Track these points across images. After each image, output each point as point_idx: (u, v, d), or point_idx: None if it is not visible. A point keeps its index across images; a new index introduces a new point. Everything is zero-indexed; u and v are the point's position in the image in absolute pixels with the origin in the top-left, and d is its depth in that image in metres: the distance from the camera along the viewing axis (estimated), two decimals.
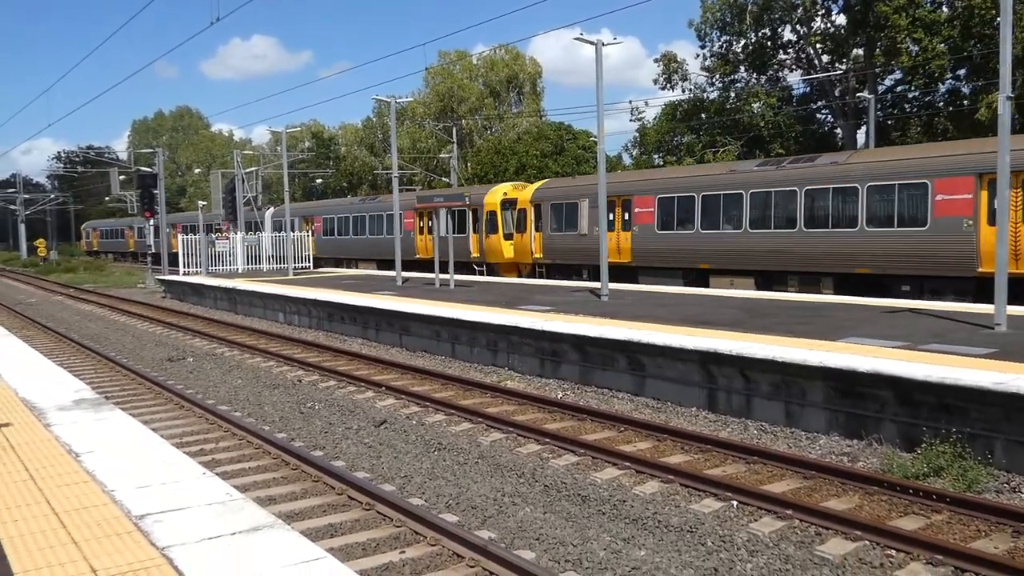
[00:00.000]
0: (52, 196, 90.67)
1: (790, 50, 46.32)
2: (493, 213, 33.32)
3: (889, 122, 42.96)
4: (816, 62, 44.82)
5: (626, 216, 27.20)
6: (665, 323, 15.04)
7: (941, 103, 41.74)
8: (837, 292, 21.38)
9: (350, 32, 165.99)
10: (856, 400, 10.42)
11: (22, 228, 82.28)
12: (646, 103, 70.93)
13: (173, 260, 42.71)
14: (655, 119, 53.81)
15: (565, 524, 7.96)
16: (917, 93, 41.42)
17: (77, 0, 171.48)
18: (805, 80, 45.69)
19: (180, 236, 42.06)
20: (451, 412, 12.55)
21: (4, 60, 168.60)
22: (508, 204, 32.92)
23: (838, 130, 45.64)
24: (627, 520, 8.03)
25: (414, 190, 50.90)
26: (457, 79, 68.78)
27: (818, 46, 44.33)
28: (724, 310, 17.22)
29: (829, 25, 43.91)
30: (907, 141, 39.78)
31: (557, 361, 15.05)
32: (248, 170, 46.88)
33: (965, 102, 39.04)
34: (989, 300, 14.01)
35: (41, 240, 73.10)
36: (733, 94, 46.85)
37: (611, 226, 26.55)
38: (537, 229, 30.94)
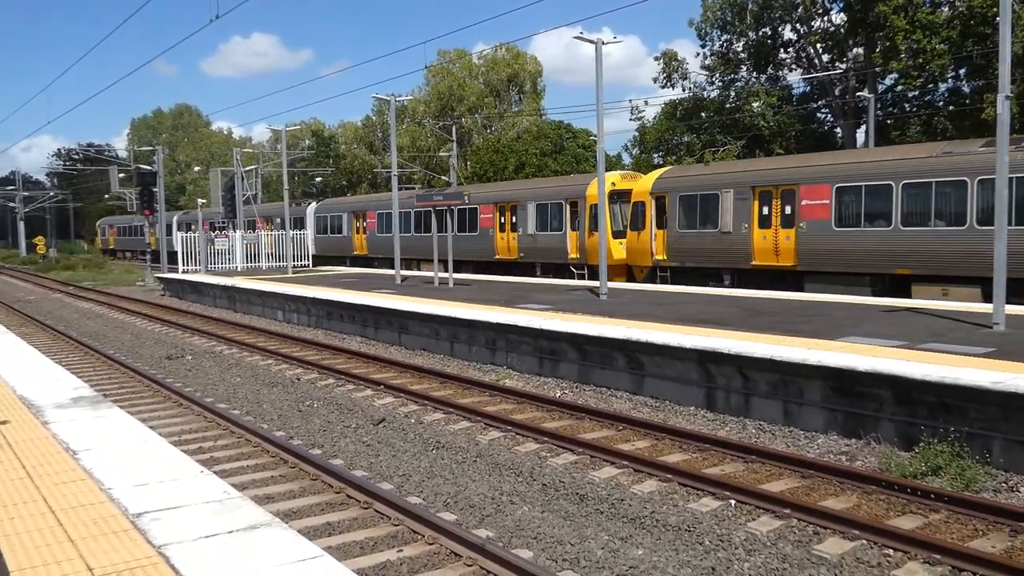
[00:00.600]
0: (51, 194, 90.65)
1: (790, 49, 46.32)
2: (596, 207, 27.60)
3: (889, 121, 42.95)
4: (816, 61, 44.81)
5: (787, 210, 22.77)
6: (664, 322, 15.04)
7: (941, 103, 41.73)
8: None
9: (350, 30, 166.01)
10: (854, 399, 10.41)
11: (21, 225, 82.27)
12: (646, 102, 70.90)
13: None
14: (655, 118, 53.80)
15: (563, 523, 7.96)
16: (917, 93, 41.40)
17: None
18: (805, 79, 45.68)
19: (207, 233, 42.04)
20: (449, 411, 12.55)
21: (4, 57, 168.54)
22: (617, 196, 28.35)
23: (838, 129, 45.64)
24: (625, 519, 8.03)
25: (413, 188, 50.77)
26: (457, 78, 68.72)
27: (818, 45, 44.32)
28: (723, 309, 17.22)
29: (829, 24, 43.92)
30: (906, 141, 39.74)
31: (556, 360, 15.05)
32: (248, 168, 46.83)
33: (967, 101, 39.03)
34: None
35: (40, 237, 73.05)
36: (733, 93, 46.82)
37: (764, 222, 23.02)
38: (659, 226, 26.09)
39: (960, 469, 8.72)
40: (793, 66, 46.87)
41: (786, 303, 18.23)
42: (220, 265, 38.70)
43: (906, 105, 43.07)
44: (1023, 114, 34.22)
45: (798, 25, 44.60)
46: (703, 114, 47.93)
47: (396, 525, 7.75)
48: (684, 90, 48.63)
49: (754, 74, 46.79)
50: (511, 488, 9.05)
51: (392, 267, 34.90)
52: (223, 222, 42.36)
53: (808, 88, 46.91)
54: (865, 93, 38.37)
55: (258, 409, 13.41)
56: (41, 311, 30.03)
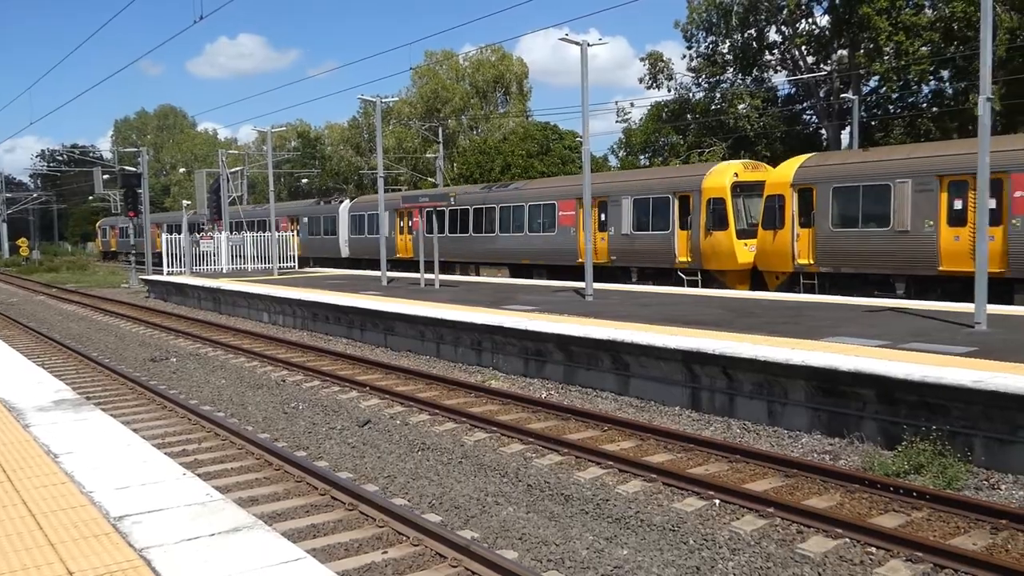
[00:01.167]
0: (35, 195, 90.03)
1: (775, 51, 46.55)
2: (719, 202, 24.35)
3: (873, 123, 43.23)
4: (801, 63, 45.05)
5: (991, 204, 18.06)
6: (649, 323, 15.07)
7: (924, 104, 42.04)
8: None
9: (337, 31, 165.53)
10: (838, 399, 10.47)
11: (4, 227, 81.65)
12: (632, 104, 71.03)
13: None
14: (641, 120, 53.99)
15: (548, 523, 7.97)
16: (900, 94, 41.69)
17: None
18: (790, 81, 45.93)
19: (221, 235, 41.62)
20: (435, 412, 12.53)
21: None
22: (744, 189, 24.56)
23: (823, 131, 45.89)
24: (610, 519, 8.04)
25: (399, 190, 50.69)
26: (443, 79, 68.75)
27: (803, 48, 44.56)
28: (707, 310, 17.28)
29: (813, 26, 44.16)
30: (890, 142, 40.00)
31: (541, 361, 15.06)
32: (233, 170, 46.68)
33: (951, 103, 39.33)
34: None
35: (23, 239, 72.57)
36: (719, 95, 47.02)
37: (956, 219, 19.19)
38: (805, 224, 22.20)
39: (942, 467, 8.77)
40: (778, 68, 47.13)
41: (771, 304, 18.31)
42: (205, 267, 38.52)
43: (890, 107, 43.37)
44: (1008, 116, 34.58)
45: (783, 27, 44.83)
46: (688, 116, 48.11)
47: (381, 527, 7.74)
48: (670, 91, 48.84)
49: (739, 76, 47.00)
50: (496, 489, 9.05)
51: (455, 271, 32.90)
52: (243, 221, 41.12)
53: (793, 90, 47.17)
54: (849, 95, 38.59)
55: (243, 411, 13.36)
56: (23, 313, 29.82)
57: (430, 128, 61.87)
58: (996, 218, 18.33)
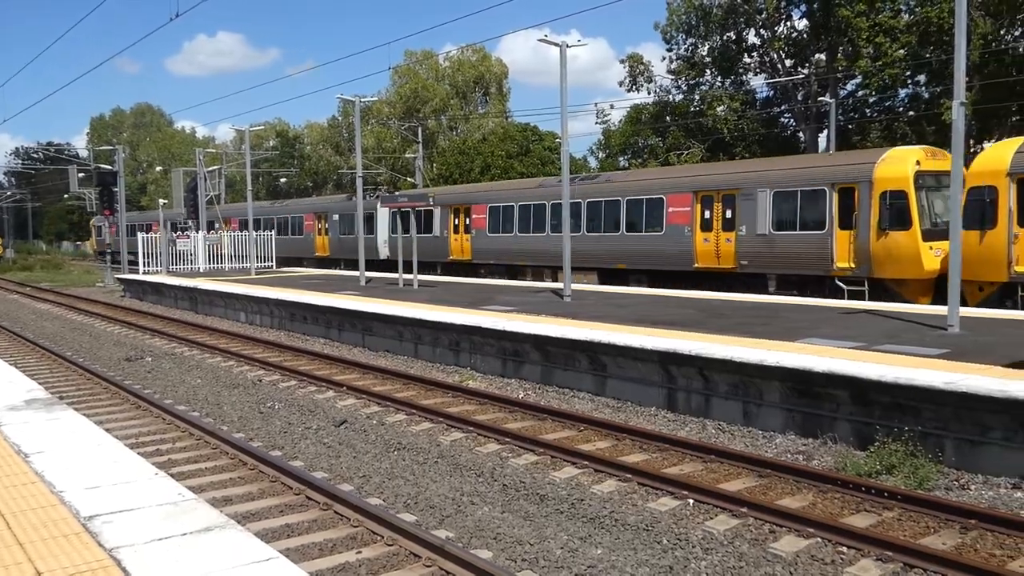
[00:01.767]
0: (9, 193, 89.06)
1: (754, 54, 46.84)
2: (899, 196, 20.31)
3: (850, 126, 43.59)
4: (779, 66, 45.35)
5: None
6: (626, 323, 15.13)
7: (901, 108, 42.45)
8: None
9: (317, 30, 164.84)
10: (812, 400, 10.55)
11: None
12: (611, 106, 71.12)
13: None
14: (620, 122, 54.16)
15: (523, 523, 7.98)
16: (877, 98, 42.07)
17: None
18: (768, 84, 46.23)
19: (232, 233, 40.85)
20: (412, 412, 12.52)
21: None
22: (929, 180, 20.46)
23: (800, 134, 46.22)
24: (584, 519, 8.07)
25: (379, 190, 50.49)
26: (422, 79, 68.64)
27: (781, 51, 44.87)
28: (684, 311, 17.36)
29: (792, 30, 44.47)
30: (867, 145, 40.36)
31: (519, 361, 15.07)
32: (211, 168, 46.38)
33: (924, 106, 39.74)
34: None
35: None
36: (698, 97, 47.25)
37: None
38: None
39: (913, 468, 8.86)
40: (757, 71, 47.41)
41: (746, 305, 18.42)
42: (182, 266, 38.25)
43: (867, 110, 43.76)
44: (981, 120, 34.99)
45: (761, 30, 45.11)
46: (668, 118, 48.32)
47: (355, 526, 7.72)
48: (650, 94, 49.04)
49: (718, 78, 47.25)
50: (472, 489, 9.05)
51: (518, 276, 29.71)
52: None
53: (771, 93, 47.48)
54: (827, 98, 38.90)
55: (218, 411, 13.28)
56: None
57: (410, 128, 61.77)
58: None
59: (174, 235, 39.82)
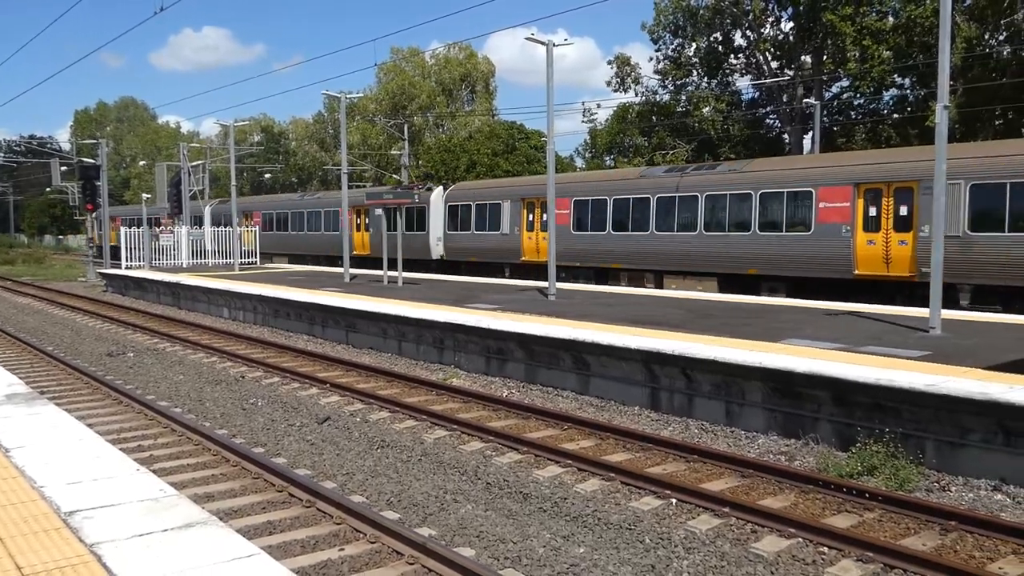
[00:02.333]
0: None
1: (740, 55, 47.01)
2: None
3: (835, 128, 43.83)
4: (765, 68, 45.54)
5: None
6: (611, 323, 15.15)
7: (885, 111, 42.72)
8: None
9: (304, 26, 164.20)
10: (794, 400, 10.60)
11: None
12: (598, 105, 71.18)
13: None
14: (607, 121, 54.24)
15: (506, 521, 7.98)
16: (862, 100, 42.33)
17: None
18: (754, 85, 46.42)
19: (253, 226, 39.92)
20: (395, 409, 12.50)
21: None
22: None
23: (785, 135, 46.43)
24: (567, 518, 8.08)
25: (363, 186, 50.27)
26: (408, 76, 68.53)
27: (767, 53, 45.06)
28: (669, 310, 17.40)
29: (778, 32, 44.67)
30: (852, 147, 40.59)
31: (503, 359, 15.07)
32: (195, 163, 46.14)
33: (909, 109, 40.04)
34: None
35: None
36: (684, 97, 47.37)
37: None
38: None
39: (894, 469, 8.91)
40: (743, 72, 47.58)
41: (732, 306, 18.49)
42: (165, 261, 38.02)
43: (852, 112, 44.02)
44: (964, 123, 35.26)
45: (748, 32, 45.28)
46: (654, 118, 48.42)
47: (338, 524, 7.70)
48: (637, 94, 49.12)
49: (705, 79, 47.39)
50: (455, 487, 9.05)
51: (609, 281, 26.40)
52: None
53: (757, 94, 47.66)
54: (811, 100, 39.11)
55: (200, 407, 13.21)
56: None
57: (395, 125, 61.66)
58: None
59: (156, 230, 39.56)
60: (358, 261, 37.32)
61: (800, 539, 7.35)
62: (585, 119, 54.00)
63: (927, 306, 13.69)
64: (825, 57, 41.84)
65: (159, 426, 11.70)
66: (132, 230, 38.35)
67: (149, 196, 53.20)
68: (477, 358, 15.58)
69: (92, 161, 44.12)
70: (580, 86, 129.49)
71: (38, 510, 5.37)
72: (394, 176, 58.25)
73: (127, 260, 37.07)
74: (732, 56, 46.89)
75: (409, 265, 33.89)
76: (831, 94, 43.84)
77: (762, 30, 44.64)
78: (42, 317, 26.38)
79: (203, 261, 39.01)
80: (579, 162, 63.10)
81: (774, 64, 45.42)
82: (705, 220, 24.52)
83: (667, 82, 48.13)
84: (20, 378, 11.44)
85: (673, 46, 47.40)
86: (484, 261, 32.27)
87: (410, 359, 17.02)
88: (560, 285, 22.10)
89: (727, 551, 7.23)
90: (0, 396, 9.19)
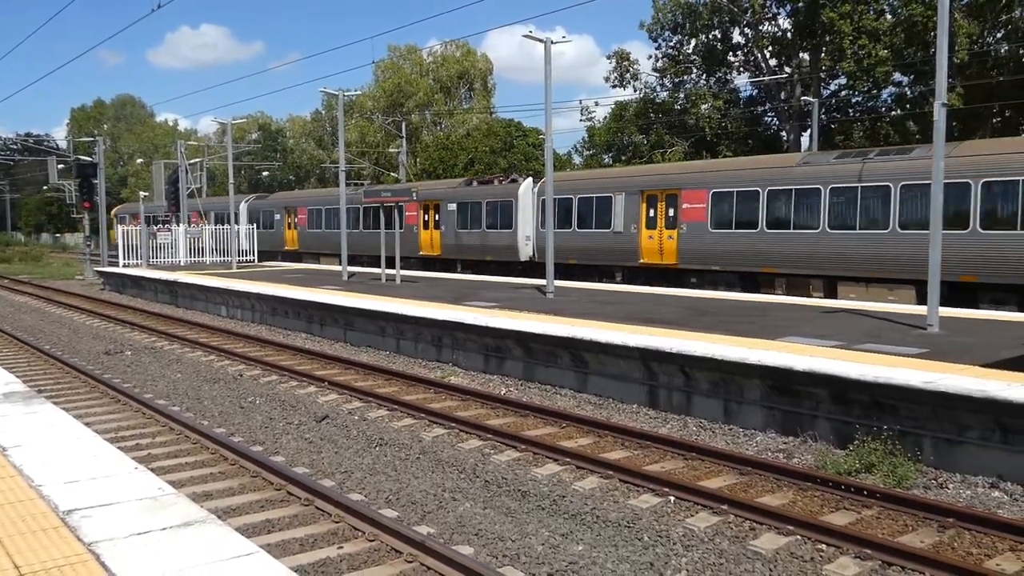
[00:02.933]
0: None
1: (739, 53, 46.94)
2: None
3: (832, 126, 43.81)
4: (763, 65, 45.50)
5: None
6: (609, 320, 15.15)
7: (884, 108, 42.71)
8: None
9: (302, 23, 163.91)
10: (793, 398, 10.60)
11: None
12: (596, 103, 71.39)
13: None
14: (605, 119, 54.19)
15: (504, 519, 7.98)
16: (860, 98, 42.30)
17: None
18: (752, 83, 46.37)
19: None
20: (394, 407, 12.50)
21: None
22: None
23: (783, 133, 46.39)
24: (566, 515, 8.08)
25: (361, 184, 50.14)
26: (406, 74, 68.48)
27: (766, 51, 45.03)
28: (667, 309, 17.41)
29: (776, 29, 44.63)
30: (851, 145, 40.57)
31: (501, 357, 15.07)
32: (192, 161, 46.06)
33: (908, 106, 40.05)
34: None
35: None
36: (683, 95, 47.30)
37: None
38: None
39: (892, 467, 8.92)
40: (741, 69, 47.52)
41: (731, 304, 18.50)
42: (162, 259, 37.98)
43: (850, 110, 44.00)
44: (966, 120, 35.28)
45: (746, 29, 45.24)
46: (652, 115, 48.37)
47: (337, 522, 7.70)
48: (636, 91, 49.04)
49: (703, 76, 47.33)
50: (454, 485, 9.05)
51: (761, 288, 23.06)
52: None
53: (755, 92, 47.61)
54: (809, 97, 39.07)
55: (198, 405, 13.20)
56: None
57: (393, 123, 61.61)
58: None
59: (154, 228, 39.53)
60: (425, 263, 34.98)
61: (798, 536, 7.36)
62: (583, 117, 53.93)
63: None
64: (823, 54, 41.81)
65: (157, 425, 11.69)
66: (129, 228, 38.31)
67: (147, 194, 53.01)
68: (475, 356, 15.58)
69: (89, 159, 44.06)
70: (578, 83, 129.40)
71: (36, 509, 5.37)
72: (392, 174, 58.21)
73: (124, 258, 37.04)
74: (731, 53, 46.83)
75: (492, 268, 31.45)
76: (829, 91, 43.81)
77: (760, 27, 44.60)
78: (39, 315, 26.35)
79: (201, 259, 38.97)
80: (577, 159, 63.03)
81: (772, 61, 45.38)
82: (901, 215, 20.77)
83: (665, 79, 48.07)
84: (17, 376, 11.44)
85: (672, 43, 47.34)
86: (587, 264, 28.13)
87: (408, 357, 17.02)
88: (558, 283, 22.07)
89: (725, 548, 7.24)
90: None
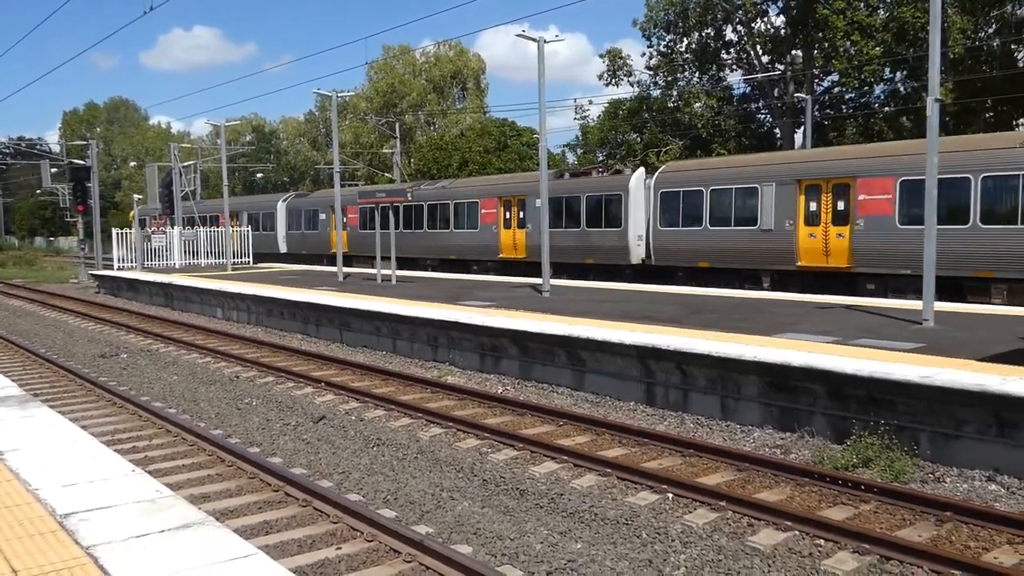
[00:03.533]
0: None
1: (732, 50, 46.99)
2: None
3: (826, 122, 43.87)
4: (756, 63, 45.54)
5: None
6: (606, 319, 15.16)
7: (876, 104, 42.78)
8: None
9: (295, 24, 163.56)
10: (790, 394, 10.62)
11: None
12: (590, 102, 71.46)
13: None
14: (599, 117, 54.26)
15: (503, 518, 7.98)
16: (853, 94, 42.36)
17: None
18: (745, 80, 46.42)
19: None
20: (391, 407, 12.49)
21: None
22: None
23: (777, 130, 46.44)
24: (564, 513, 8.08)
25: (356, 185, 49.94)
26: (399, 75, 68.45)
27: (758, 47, 45.09)
28: (664, 306, 17.42)
29: (769, 26, 44.70)
30: (843, 141, 40.61)
31: (498, 356, 15.06)
32: (186, 163, 45.96)
33: (902, 102, 40.12)
34: None
35: None
36: (676, 93, 47.33)
37: None
38: None
39: (889, 461, 8.93)
40: (734, 67, 47.59)
41: (727, 301, 18.52)
42: (157, 262, 37.90)
43: (843, 107, 44.06)
44: (958, 116, 35.35)
45: (739, 26, 45.28)
46: (646, 114, 48.38)
47: (335, 523, 7.69)
48: (632, 86, 49.07)
49: (696, 74, 47.37)
50: (451, 484, 9.04)
51: (967, 297, 19.31)
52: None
53: (748, 89, 47.67)
54: (803, 94, 39.12)
55: (195, 407, 13.18)
56: None
57: (387, 123, 61.57)
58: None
59: (149, 231, 39.44)
60: (505, 267, 30.94)
61: (797, 532, 7.37)
62: (577, 116, 53.98)
63: None
64: (816, 51, 41.88)
65: (154, 427, 11.67)
66: (123, 232, 38.21)
67: (140, 197, 52.86)
68: (471, 355, 15.57)
69: (82, 162, 43.97)
70: (572, 82, 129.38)
71: (33, 513, 5.35)
72: (386, 175, 58.16)
73: (119, 261, 36.97)
74: (724, 51, 46.88)
75: (595, 272, 27.47)
76: (822, 88, 43.88)
77: (753, 24, 44.65)
78: (34, 319, 26.29)
79: (196, 261, 38.90)
80: (571, 158, 63.05)
81: (765, 59, 45.43)
82: None
83: (659, 77, 48.10)
84: (13, 380, 11.40)
85: (665, 41, 47.38)
86: (724, 267, 24.41)
87: (404, 357, 17.00)
88: (555, 282, 22.04)
89: (724, 545, 7.24)
90: None
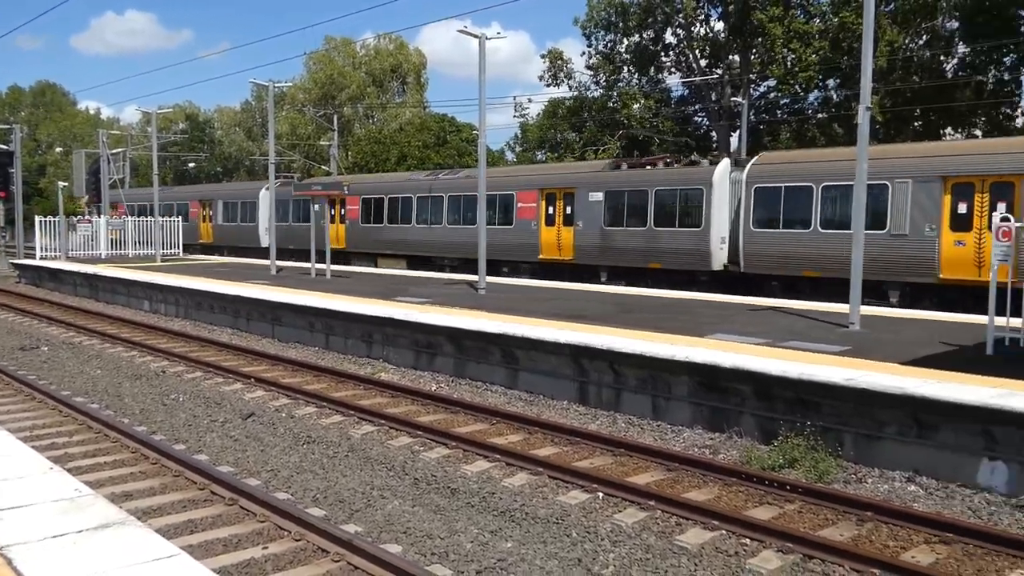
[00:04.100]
0: None
1: (671, 53, 47.58)
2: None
3: (761, 127, 44.72)
4: (695, 66, 46.20)
5: None
6: (540, 317, 15.20)
7: (810, 110, 43.78)
8: None
9: (232, 12, 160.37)
10: (719, 394, 10.78)
11: None
12: (530, 100, 71.35)
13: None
14: (538, 115, 54.43)
15: (433, 517, 7.94)
16: (788, 100, 43.27)
17: None
18: (683, 83, 47.06)
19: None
20: (322, 404, 12.34)
21: None
22: None
23: (713, 133, 47.18)
24: (495, 512, 8.08)
25: (291, 177, 49.21)
26: (338, 66, 67.69)
27: (697, 51, 45.74)
28: (596, 305, 17.54)
29: (708, 31, 45.39)
30: (778, 146, 41.48)
31: (432, 354, 15.00)
32: (115, 151, 44.74)
33: (833, 109, 41.13)
34: None
35: None
36: (615, 93, 47.75)
37: None
38: None
39: (814, 462, 9.13)
40: (673, 69, 48.20)
41: (659, 301, 18.73)
42: (83, 252, 36.83)
43: (778, 112, 44.99)
44: (887, 124, 36.35)
45: (679, 30, 45.87)
46: (585, 113, 48.72)
47: (262, 522, 7.56)
48: (570, 88, 49.35)
49: (635, 76, 47.85)
50: (383, 483, 8.97)
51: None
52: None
53: (686, 92, 48.33)
54: (739, 99, 39.81)
55: (119, 403, 12.84)
56: None
57: (325, 115, 60.85)
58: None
59: (74, 219, 38.30)
60: (547, 269, 27.58)
61: (723, 531, 7.48)
62: (517, 114, 54.07)
63: None
64: (753, 57, 42.66)
65: (74, 423, 11.33)
66: (48, 219, 37.07)
67: (66, 184, 51.36)
68: (406, 352, 15.48)
69: (5, 147, 42.50)
70: (513, 79, 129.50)
71: None
72: (323, 167, 57.48)
73: (41, 250, 35.84)
74: (663, 54, 47.44)
75: (663, 279, 24.23)
76: (758, 93, 44.72)
77: (692, 28, 45.27)
78: None
79: (123, 252, 37.89)
80: (509, 156, 63.20)
81: (703, 63, 46.12)
82: None
83: (599, 77, 48.47)
84: None
85: (605, 42, 47.76)
86: (834, 277, 19.88)
87: (338, 353, 16.82)
88: (490, 279, 22.04)
89: (652, 544, 7.32)
90: None
